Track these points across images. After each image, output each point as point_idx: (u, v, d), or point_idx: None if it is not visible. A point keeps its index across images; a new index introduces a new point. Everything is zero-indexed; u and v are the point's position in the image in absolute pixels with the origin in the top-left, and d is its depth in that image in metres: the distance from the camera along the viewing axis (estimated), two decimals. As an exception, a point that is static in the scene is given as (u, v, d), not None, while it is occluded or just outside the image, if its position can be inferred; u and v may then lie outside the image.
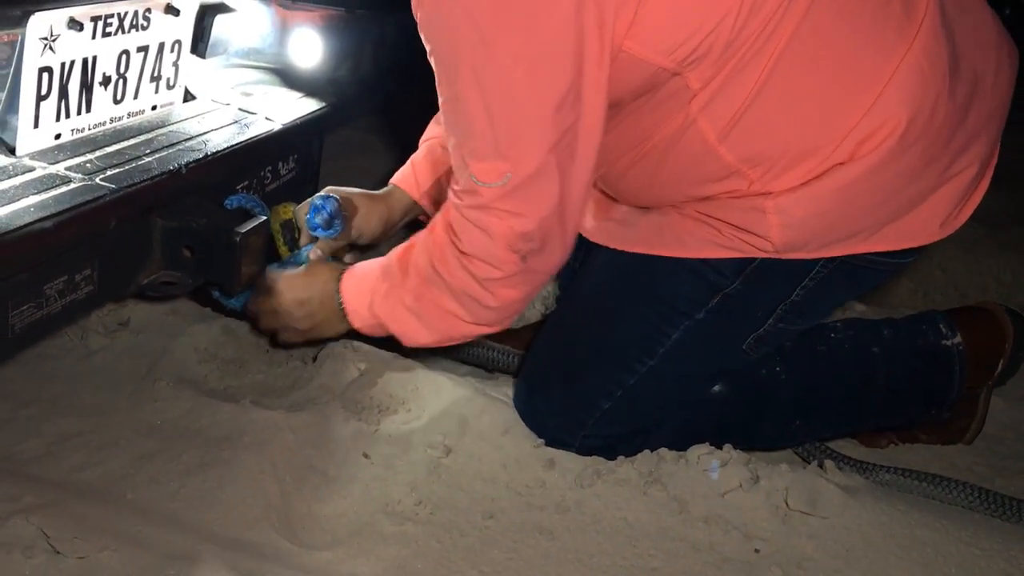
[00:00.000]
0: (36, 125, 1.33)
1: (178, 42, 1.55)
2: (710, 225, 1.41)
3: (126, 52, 1.44)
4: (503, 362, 1.74)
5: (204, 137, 1.54)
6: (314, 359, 1.73)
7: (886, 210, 1.36)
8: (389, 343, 1.65)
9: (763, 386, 1.57)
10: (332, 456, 1.47)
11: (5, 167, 1.29)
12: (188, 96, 1.67)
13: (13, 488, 1.34)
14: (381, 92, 2.21)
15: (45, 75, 1.30)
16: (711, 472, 1.40)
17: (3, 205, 1.18)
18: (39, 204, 1.20)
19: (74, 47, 1.32)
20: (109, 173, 1.33)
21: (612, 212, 1.56)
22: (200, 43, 1.60)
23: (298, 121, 1.72)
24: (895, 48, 1.29)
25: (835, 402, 1.61)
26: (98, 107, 1.43)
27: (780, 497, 1.38)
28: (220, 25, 1.64)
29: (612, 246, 1.53)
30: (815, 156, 1.31)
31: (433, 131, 1.79)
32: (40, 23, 1.25)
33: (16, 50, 1.25)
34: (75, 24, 1.30)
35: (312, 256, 1.64)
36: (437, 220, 1.40)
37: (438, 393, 1.58)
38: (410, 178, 1.77)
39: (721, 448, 1.46)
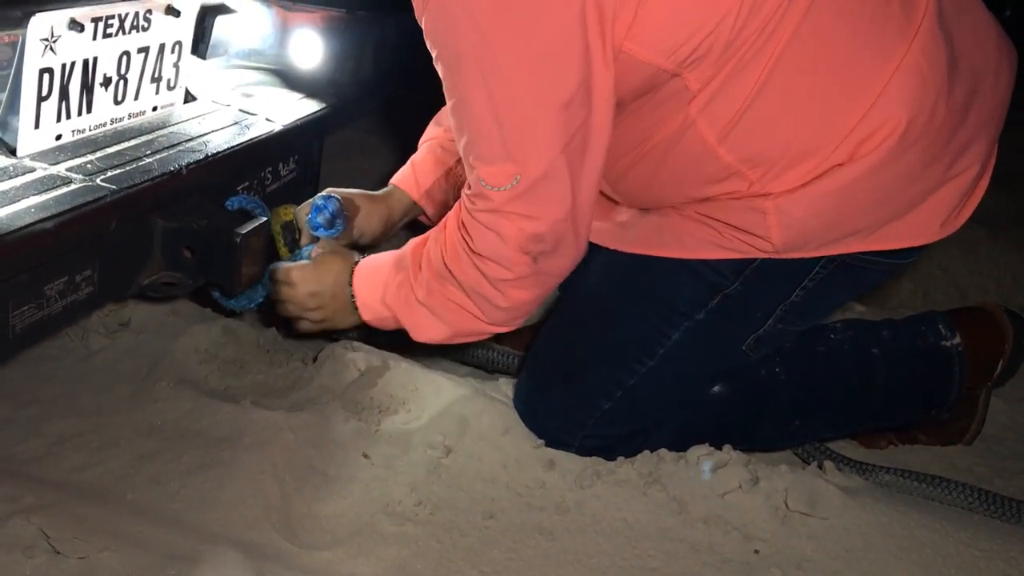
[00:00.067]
0: (37, 126, 1.33)
1: (179, 43, 1.55)
2: (710, 226, 1.41)
3: (127, 53, 1.44)
4: (503, 363, 1.74)
5: (205, 138, 1.54)
6: (314, 359, 1.73)
7: (886, 210, 1.36)
8: (391, 342, 1.65)
9: (763, 387, 1.57)
10: (332, 456, 1.47)
11: (6, 168, 1.29)
12: (189, 97, 1.67)
13: (13, 488, 1.34)
14: (381, 93, 2.21)
15: (46, 76, 1.30)
16: (703, 474, 1.40)
17: (4, 206, 1.18)
18: (40, 205, 1.20)
19: (75, 48, 1.33)
20: (110, 174, 1.34)
21: (612, 213, 1.56)
22: (201, 44, 1.61)
23: (298, 122, 1.73)
24: (894, 49, 1.29)
25: (834, 403, 1.61)
26: (99, 108, 1.44)
27: (780, 498, 1.38)
28: (221, 26, 1.64)
29: (612, 247, 1.53)
30: (815, 157, 1.32)
31: (433, 132, 1.79)
32: (41, 24, 1.25)
33: (17, 51, 1.25)
34: (76, 25, 1.30)
35: (314, 255, 1.64)
36: (450, 216, 1.40)
37: (438, 393, 1.58)
38: (410, 178, 1.77)
39: (721, 449, 1.47)
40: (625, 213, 1.54)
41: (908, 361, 1.62)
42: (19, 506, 1.30)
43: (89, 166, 1.35)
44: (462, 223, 1.34)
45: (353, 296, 1.51)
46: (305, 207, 1.67)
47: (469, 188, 1.32)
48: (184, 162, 1.42)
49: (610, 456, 1.49)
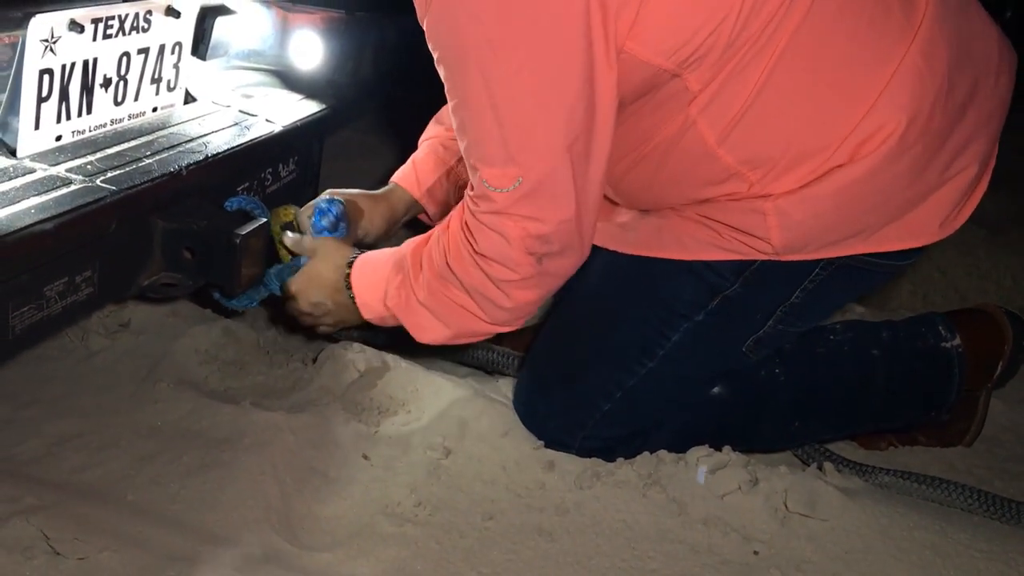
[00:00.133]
0: (37, 127, 1.33)
1: (179, 44, 1.55)
2: (710, 227, 1.41)
3: (127, 54, 1.44)
4: (503, 364, 1.74)
5: (205, 139, 1.54)
6: (314, 360, 1.74)
7: (885, 211, 1.36)
8: (391, 343, 1.65)
9: (762, 388, 1.57)
10: (332, 457, 1.47)
11: (6, 169, 1.29)
12: (189, 98, 1.67)
13: (13, 489, 1.34)
14: (381, 94, 2.22)
15: (46, 77, 1.30)
16: (699, 477, 1.40)
17: (4, 207, 1.18)
18: (40, 206, 1.20)
19: (75, 49, 1.33)
20: (110, 175, 1.34)
21: (612, 215, 1.56)
22: (201, 45, 1.61)
23: (298, 123, 1.73)
24: (893, 50, 1.29)
25: (834, 404, 1.61)
26: (99, 109, 1.44)
27: (779, 499, 1.38)
28: (221, 27, 1.64)
29: (612, 248, 1.53)
30: (814, 158, 1.32)
31: (434, 130, 1.79)
32: (41, 25, 1.25)
33: (17, 52, 1.25)
34: (76, 26, 1.30)
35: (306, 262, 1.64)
36: (453, 216, 1.39)
37: (438, 395, 1.58)
38: (411, 176, 1.77)
39: (720, 450, 1.47)
40: (625, 214, 1.54)
41: (908, 362, 1.62)
42: (19, 507, 1.30)
43: (89, 167, 1.35)
44: (465, 224, 1.34)
45: (352, 297, 1.51)
46: (307, 209, 1.67)
47: (472, 189, 1.32)
48: (184, 163, 1.43)
49: (610, 457, 1.49)
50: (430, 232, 1.45)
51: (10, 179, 1.26)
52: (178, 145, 1.49)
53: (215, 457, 1.44)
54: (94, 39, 1.35)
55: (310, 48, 1.85)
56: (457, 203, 1.41)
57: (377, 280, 1.49)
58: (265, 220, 1.56)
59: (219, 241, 1.47)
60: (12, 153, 1.32)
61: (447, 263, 1.37)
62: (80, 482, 1.40)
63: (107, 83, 1.43)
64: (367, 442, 1.51)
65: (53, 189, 1.26)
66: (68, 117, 1.38)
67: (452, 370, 1.74)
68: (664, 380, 1.49)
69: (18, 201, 1.20)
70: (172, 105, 1.62)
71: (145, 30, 1.45)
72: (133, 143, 1.46)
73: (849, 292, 1.56)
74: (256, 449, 1.44)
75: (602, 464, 1.47)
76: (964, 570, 1.31)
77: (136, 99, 1.51)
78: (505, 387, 1.65)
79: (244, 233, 1.47)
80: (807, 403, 1.59)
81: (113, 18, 1.37)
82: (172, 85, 1.59)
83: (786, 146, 1.31)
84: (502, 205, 1.27)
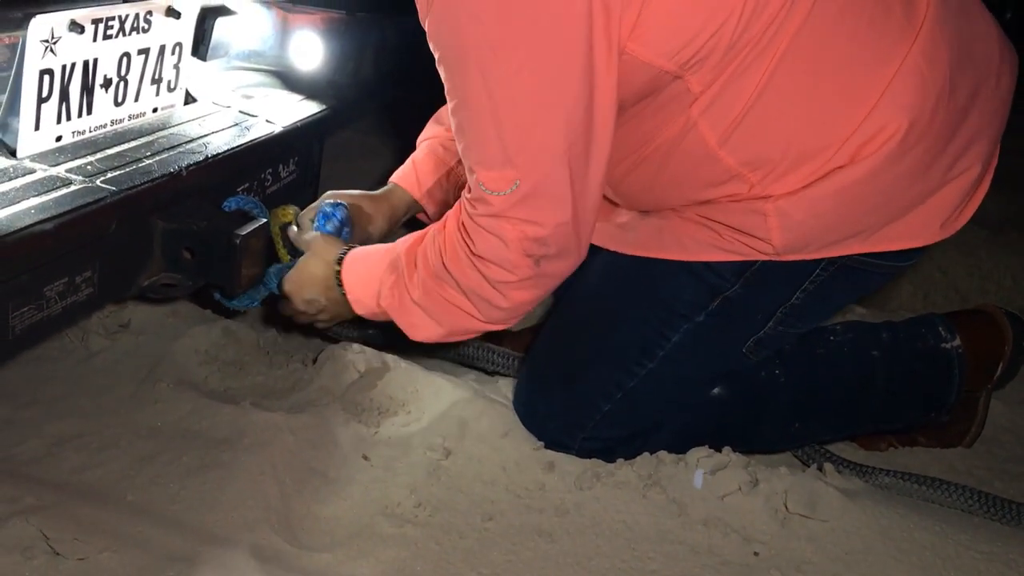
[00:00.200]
0: (37, 127, 1.33)
1: (179, 45, 1.55)
2: (710, 228, 1.41)
3: (127, 55, 1.44)
4: (503, 364, 1.74)
5: (205, 139, 1.54)
6: (314, 361, 1.74)
7: (886, 211, 1.36)
8: (391, 344, 1.65)
9: (762, 389, 1.57)
10: (332, 458, 1.47)
11: (6, 169, 1.29)
12: (189, 99, 1.67)
13: (13, 489, 1.34)
14: (381, 95, 2.22)
15: (46, 77, 1.30)
16: (696, 482, 1.40)
17: (4, 207, 1.18)
18: (40, 206, 1.20)
19: (75, 49, 1.33)
20: (110, 175, 1.34)
21: (612, 215, 1.56)
22: (201, 46, 1.61)
23: (299, 124, 1.73)
24: (895, 52, 1.29)
25: (834, 405, 1.61)
26: (99, 109, 1.44)
27: (779, 500, 1.38)
28: (221, 28, 1.64)
29: (612, 249, 1.53)
30: (815, 159, 1.32)
31: (433, 130, 1.79)
32: (41, 26, 1.25)
33: (17, 52, 1.25)
34: (76, 27, 1.30)
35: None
36: (449, 216, 1.39)
37: (438, 395, 1.58)
38: (411, 176, 1.77)
39: (720, 451, 1.47)
40: (625, 215, 1.54)
41: (908, 363, 1.62)
42: (19, 507, 1.30)
43: (89, 167, 1.35)
44: (462, 225, 1.34)
45: (344, 294, 1.51)
46: (309, 212, 1.68)
47: (469, 192, 1.32)
48: (184, 163, 1.43)
49: (609, 458, 1.49)
50: (424, 230, 1.45)
51: (10, 179, 1.26)
52: (178, 146, 1.49)
53: (215, 457, 1.44)
54: (94, 40, 1.35)
55: (310, 49, 1.85)
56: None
57: (370, 278, 1.48)
58: (265, 220, 1.56)
59: (219, 241, 1.47)
60: (12, 153, 1.32)
61: (443, 264, 1.37)
62: (80, 482, 1.40)
63: (107, 84, 1.43)
64: (367, 443, 1.51)
65: (53, 189, 1.26)
66: (68, 118, 1.38)
67: (452, 371, 1.74)
68: (664, 381, 1.49)
69: (18, 201, 1.20)
70: (172, 106, 1.62)
71: (145, 31, 1.45)
72: (133, 144, 1.46)
73: (849, 293, 1.56)
74: (256, 449, 1.44)
75: (602, 465, 1.47)
76: (964, 571, 1.31)
77: (136, 100, 1.51)
78: (505, 388, 1.65)
79: (244, 233, 1.47)
80: (807, 404, 1.59)
81: (113, 19, 1.37)
82: (172, 86, 1.59)
83: (787, 147, 1.31)
84: (499, 208, 1.27)
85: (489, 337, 1.71)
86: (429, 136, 1.79)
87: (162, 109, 1.59)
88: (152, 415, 1.56)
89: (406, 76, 1.97)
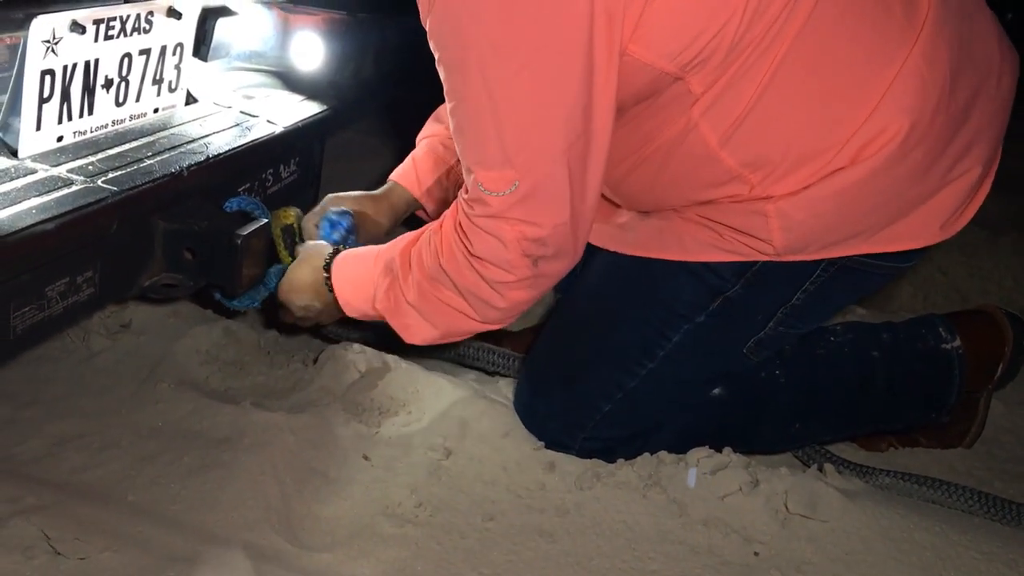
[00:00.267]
0: (38, 127, 1.33)
1: (180, 45, 1.55)
2: (711, 229, 1.41)
3: (128, 55, 1.44)
4: (503, 365, 1.74)
5: (206, 140, 1.54)
6: (315, 361, 1.74)
7: (886, 212, 1.36)
8: (391, 344, 1.65)
9: (762, 389, 1.57)
10: (332, 458, 1.47)
11: (7, 169, 1.29)
12: (190, 99, 1.67)
13: (14, 489, 1.34)
14: (382, 95, 2.22)
15: (47, 78, 1.30)
16: (689, 480, 1.40)
17: (5, 207, 1.18)
18: (41, 206, 1.20)
19: (76, 50, 1.33)
20: (111, 175, 1.34)
21: (613, 216, 1.56)
22: (202, 46, 1.61)
23: (300, 124, 1.73)
24: (896, 53, 1.29)
25: (834, 405, 1.61)
26: (100, 110, 1.44)
27: (780, 500, 1.38)
28: (222, 28, 1.64)
29: (612, 249, 1.53)
30: (816, 160, 1.32)
31: (433, 128, 1.79)
32: (42, 26, 1.25)
33: (19, 53, 1.26)
34: (77, 27, 1.30)
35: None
36: (446, 217, 1.39)
37: (438, 395, 1.58)
38: (411, 174, 1.78)
39: (721, 451, 1.47)
40: (626, 215, 1.54)
41: (908, 364, 1.62)
42: (20, 507, 1.30)
43: (90, 168, 1.35)
44: (459, 226, 1.33)
45: (335, 297, 1.51)
46: (313, 216, 1.68)
47: (467, 192, 1.32)
48: (185, 164, 1.43)
49: (610, 458, 1.49)
50: (418, 232, 1.44)
51: (12, 179, 1.26)
52: (179, 146, 1.50)
53: (216, 457, 1.44)
54: (95, 40, 1.35)
55: (311, 49, 1.85)
56: None
57: (361, 281, 1.48)
58: (266, 221, 1.56)
59: (220, 242, 1.47)
60: (14, 154, 1.32)
61: (440, 264, 1.37)
62: (81, 482, 1.40)
63: (108, 84, 1.43)
64: (367, 443, 1.51)
65: (54, 190, 1.26)
66: (70, 118, 1.38)
67: (453, 371, 1.74)
68: (664, 381, 1.49)
69: (20, 201, 1.20)
70: (173, 106, 1.62)
71: (147, 31, 1.45)
72: (134, 144, 1.47)
73: (850, 294, 1.56)
74: (257, 449, 1.44)
75: (602, 465, 1.47)
76: (965, 572, 1.31)
77: (137, 100, 1.52)
78: (506, 388, 1.65)
79: (245, 234, 1.48)
80: (807, 404, 1.59)
81: (115, 19, 1.37)
82: (173, 86, 1.59)
83: (788, 148, 1.31)
84: (498, 209, 1.27)
85: (489, 337, 1.71)
86: (429, 134, 1.79)
87: (163, 109, 1.59)
88: (153, 415, 1.56)
89: (407, 76, 1.98)
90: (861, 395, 1.61)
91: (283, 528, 1.33)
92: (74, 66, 1.34)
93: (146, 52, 1.48)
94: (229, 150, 1.53)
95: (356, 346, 1.69)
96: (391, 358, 1.65)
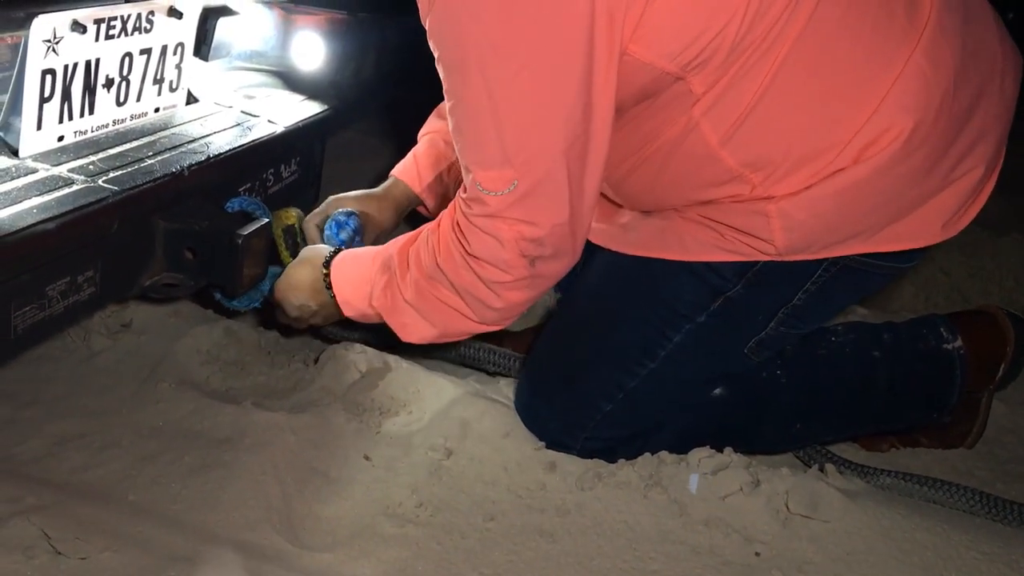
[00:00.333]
0: (39, 127, 1.33)
1: (181, 45, 1.55)
2: (712, 228, 1.41)
3: (129, 55, 1.44)
4: (504, 365, 1.74)
5: (207, 139, 1.54)
6: (316, 361, 1.74)
7: (887, 212, 1.36)
8: (391, 345, 1.65)
9: (764, 389, 1.57)
10: (333, 458, 1.47)
11: (8, 169, 1.29)
12: (191, 99, 1.67)
13: (14, 489, 1.34)
14: (383, 95, 2.22)
15: (48, 77, 1.30)
16: (691, 486, 1.40)
17: (6, 207, 1.18)
18: (42, 206, 1.20)
19: (77, 49, 1.33)
20: (112, 175, 1.34)
21: (614, 216, 1.56)
22: (203, 46, 1.61)
23: (300, 124, 1.73)
24: (897, 54, 1.29)
25: (836, 406, 1.61)
26: (101, 109, 1.44)
27: (781, 500, 1.38)
28: (223, 28, 1.64)
29: (613, 249, 1.53)
30: (818, 160, 1.31)
31: (435, 125, 1.79)
32: (43, 25, 1.25)
33: (19, 52, 1.26)
34: (78, 27, 1.30)
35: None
36: (444, 216, 1.39)
37: (439, 395, 1.58)
38: (412, 170, 1.78)
39: (722, 451, 1.47)
40: (627, 215, 1.54)
41: (909, 364, 1.61)
42: (20, 507, 1.30)
43: (91, 167, 1.35)
44: (457, 225, 1.33)
45: (333, 297, 1.51)
46: (314, 217, 1.68)
47: (465, 191, 1.31)
48: (186, 163, 1.43)
49: (611, 458, 1.49)
50: (417, 231, 1.45)
51: (12, 179, 1.26)
52: (180, 146, 1.49)
53: (216, 457, 1.44)
54: (96, 39, 1.35)
55: (312, 49, 1.85)
56: None
57: (360, 279, 1.49)
58: (267, 220, 1.56)
59: (221, 242, 1.47)
60: (14, 153, 1.32)
61: (437, 263, 1.36)
62: (81, 482, 1.40)
63: (109, 83, 1.43)
64: (368, 443, 1.51)
65: (55, 189, 1.26)
66: (70, 117, 1.38)
67: (453, 371, 1.74)
68: (665, 381, 1.49)
69: (20, 201, 1.20)
70: (174, 106, 1.62)
71: (147, 31, 1.45)
72: (135, 143, 1.47)
73: (851, 294, 1.56)
74: (257, 449, 1.44)
75: (603, 465, 1.47)
76: (966, 572, 1.31)
77: (138, 100, 1.52)
78: (507, 388, 1.65)
79: (246, 234, 1.47)
80: (809, 405, 1.59)
81: (115, 19, 1.37)
82: (174, 86, 1.59)
83: (789, 149, 1.31)
84: (496, 208, 1.27)
85: (490, 338, 1.71)
86: (431, 130, 1.79)
87: (164, 109, 1.59)
88: (154, 415, 1.56)
89: (408, 76, 1.97)
90: (862, 395, 1.61)
91: (284, 528, 1.33)
92: (75, 65, 1.34)
93: (147, 52, 1.48)
94: (230, 150, 1.53)
95: (357, 346, 1.69)
96: (392, 358, 1.65)
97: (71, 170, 1.33)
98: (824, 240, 1.37)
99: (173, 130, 1.55)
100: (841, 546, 1.33)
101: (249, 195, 1.66)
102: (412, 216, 1.84)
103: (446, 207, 1.42)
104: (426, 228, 1.42)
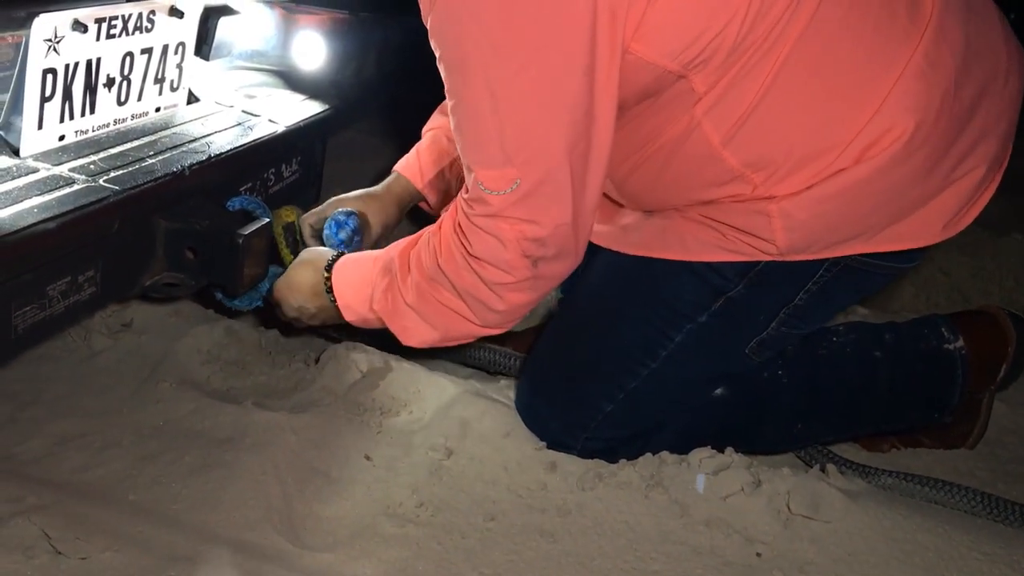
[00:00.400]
0: (40, 126, 1.33)
1: (182, 44, 1.55)
2: (714, 228, 1.41)
3: (130, 54, 1.44)
4: (505, 365, 1.74)
5: (207, 139, 1.54)
6: (316, 361, 1.74)
7: (888, 212, 1.36)
8: (391, 345, 1.65)
9: (765, 390, 1.57)
10: (334, 458, 1.47)
11: (9, 168, 1.29)
12: (192, 98, 1.67)
13: (15, 489, 1.34)
14: (384, 95, 2.22)
15: (49, 77, 1.30)
16: (698, 486, 1.40)
17: (7, 206, 1.18)
18: (43, 205, 1.21)
19: (78, 49, 1.33)
20: (113, 175, 1.34)
21: (615, 216, 1.56)
22: (204, 45, 1.61)
23: (301, 123, 1.73)
24: (899, 53, 1.29)
25: (837, 406, 1.61)
26: (102, 109, 1.44)
27: (782, 501, 1.38)
28: (224, 28, 1.64)
29: (615, 249, 1.53)
30: (819, 160, 1.31)
31: (438, 121, 1.79)
32: (44, 25, 1.25)
33: (20, 52, 1.26)
34: (79, 26, 1.30)
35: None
36: (445, 217, 1.39)
37: (440, 395, 1.58)
38: (414, 166, 1.78)
39: (723, 451, 1.46)
40: (628, 215, 1.54)
41: (910, 364, 1.61)
42: (21, 506, 1.30)
43: (92, 167, 1.35)
44: (459, 226, 1.33)
45: (334, 300, 1.51)
46: (310, 216, 1.68)
47: (467, 192, 1.31)
48: (187, 163, 1.43)
49: (612, 458, 1.49)
50: (418, 234, 1.44)
51: (13, 178, 1.26)
52: (181, 145, 1.50)
53: (217, 457, 1.44)
54: (97, 39, 1.35)
55: (313, 49, 1.85)
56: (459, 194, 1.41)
57: (361, 282, 1.48)
58: (268, 220, 1.56)
59: (221, 241, 1.47)
60: (15, 153, 1.32)
61: (438, 265, 1.36)
62: (82, 482, 1.40)
63: (110, 83, 1.43)
64: (369, 442, 1.51)
65: (56, 189, 1.26)
66: (71, 117, 1.38)
67: (454, 371, 1.74)
68: (666, 381, 1.49)
69: (21, 200, 1.20)
70: (175, 105, 1.62)
71: (148, 30, 1.45)
72: (136, 143, 1.47)
73: (852, 294, 1.56)
74: (258, 449, 1.44)
75: (604, 465, 1.47)
76: (967, 573, 1.31)
77: (139, 99, 1.52)
78: (507, 388, 1.65)
79: (247, 233, 1.47)
80: (810, 405, 1.59)
81: (116, 18, 1.37)
82: (175, 85, 1.59)
83: (790, 149, 1.31)
84: (498, 208, 1.26)
85: (493, 338, 1.70)
86: (434, 126, 1.79)
87: (165, 108, 1.59)
88: (154, 415, 1.56)
89: (409, 76, 1.97)
90: (863, 395, 1.61)
91: (284, 528, 1.33)
92: (76, 65, 1.34)
93: (148, 51, 1.48)
94: (231, 149, 1.53)
95: (358, 346, 1.69)
96: (392, 358, 1.65)
97: (72, 169, 1.33)
98: (825, 240, 1.37)
99: (174, 129, 1.55)
100: (842, 547, 1.33)
101: (250, 195, 1.66)
102: (414, 213, 1.84)
103: (448, 203, 1.41)
104: (427, 230, 1.42)
